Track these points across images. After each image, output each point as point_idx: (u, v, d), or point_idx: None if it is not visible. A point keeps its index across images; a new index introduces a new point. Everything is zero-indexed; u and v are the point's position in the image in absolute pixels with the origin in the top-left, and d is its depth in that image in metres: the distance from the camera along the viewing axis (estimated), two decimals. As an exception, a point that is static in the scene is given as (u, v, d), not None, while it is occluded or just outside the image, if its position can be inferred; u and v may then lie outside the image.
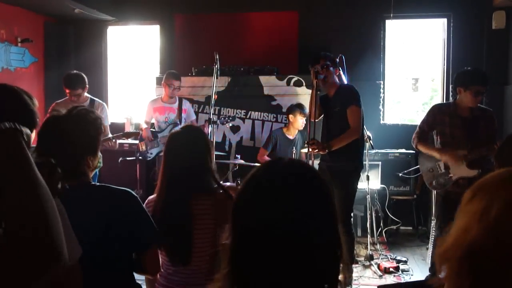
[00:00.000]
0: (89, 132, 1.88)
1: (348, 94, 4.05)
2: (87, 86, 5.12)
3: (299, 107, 5.38)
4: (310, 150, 3.82)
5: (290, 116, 5.42)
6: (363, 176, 5.10)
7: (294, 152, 5.28)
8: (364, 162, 5.07)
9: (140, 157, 5.65)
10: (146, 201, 2.37)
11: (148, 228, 1.94)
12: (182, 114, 5.65)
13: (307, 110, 5.09)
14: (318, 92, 4.00)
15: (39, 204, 0.93)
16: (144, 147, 5.62)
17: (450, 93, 6.04)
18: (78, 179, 1.87)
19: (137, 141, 5.75)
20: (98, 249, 1.80)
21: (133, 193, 1.96)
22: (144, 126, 5.70)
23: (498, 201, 0.91)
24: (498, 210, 0.89)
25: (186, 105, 5.76)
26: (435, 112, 4.09)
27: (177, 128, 5.38)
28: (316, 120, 4.06)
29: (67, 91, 5.01)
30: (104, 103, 5.29)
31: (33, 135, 2.00)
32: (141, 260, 1.95)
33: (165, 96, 5.65)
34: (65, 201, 1.81)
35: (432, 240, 4.40)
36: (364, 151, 5.08)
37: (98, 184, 1.92)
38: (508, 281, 0.86)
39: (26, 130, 1.08)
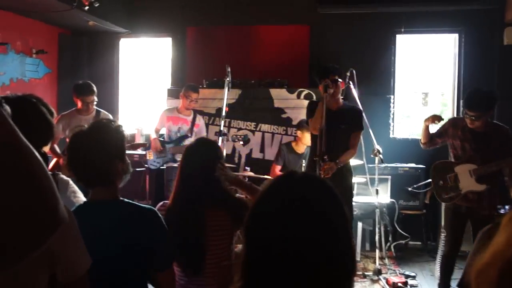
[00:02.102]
0: (114, 138, 1.93)
1: (357, 116, 4.32)
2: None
3: (308, 123, 5.38)
4: (322, 173, 3.83)
5: (298, 132, 5.43)
6: (372, 190, 5.11)
7: (303, 165, 5.28)
8: (374, 176, 5.08)
9: (146, 165, 5.69)
10: (159, 205, 2.40)
11: (168, 249, 1.98)
12: (194, 128, 5.68)
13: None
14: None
15: (25, 164, 0.83)
16: (151, 156, 5.66)
17: (461, 108, 6.02)
18: (106, 188, 1.91)
19: (144, 152, 5.79)
20: (117, 265, 1.85)
21: (158, 213, 1.99)
22: (153, 135, 5.74)
23: None
24: None
25: (200, 121, 5.80)
26: (449, 125, 4.11)
27: (188, 140, 5.48)
28: (314, 133, 4.12)
29: (80, 98, 5.04)
30: (109, 114, 5.31)
31: (48, 147, 2.05)
32: (157, 277, 1.97)
33: (181, 107, 5.69)
34: (92, 214, 1.87)
35: (440, 254, 4.37)
36: (374, 165, 5.09)
37: (125, 200, 1.96)
38: None
39: (6, 106, 1.07)
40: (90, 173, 1.88)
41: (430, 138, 4.21)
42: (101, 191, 1.92)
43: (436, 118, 4.16)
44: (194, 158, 2.37)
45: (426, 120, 4.19)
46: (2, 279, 1.14)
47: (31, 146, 0.85)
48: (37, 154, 0.85)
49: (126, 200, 1.97)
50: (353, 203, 4.65)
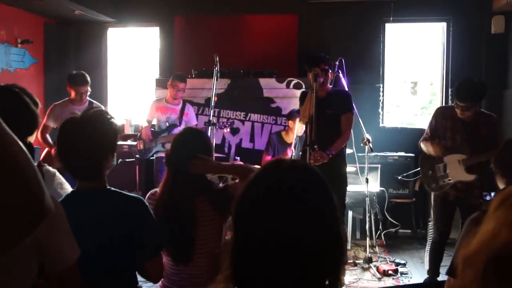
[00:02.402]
0: (108, 131, 1.91)
1: (344, 99, 4.23)
2: None
3: (299, 112, 5.38)
4: (312, 161, 3.82)
5: (290, 122, 5.42)
6: (362, 179, 5.12)
7: (293, 154, 5.28)
8: (363, 165, 5.10)
9: (137, 156, 5.66)
10: (149, 194, 2.39)
11: (156, 237, 1.98)
12: (184, 117, 5.65)
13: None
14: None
15: (8, 154, 0.81)
16: (142, 146, 5.63)
17: (449, 97, 6.05)
18: (95, 180, 1.90)
19: (135, 143, 5.77)
20: (106, 254, 1.84)
21: (145, 201, 1.99)
22: (144, 125, 5.71)
23: None
24: None
25: (189, 109, 5.77)
26: (438, 116, 4.11)
27: (177, 129, 5.45)
28: (304, 121, 4.12)
29: (74, 88, 5.01)
30: (102, 106, 5.28)
31: (34, 137, 2.02)
32: (144, 266, 1.96)
33: (169, 97, 5.67)
34: (80, 204, 1.85)
35: (429, 242, 4.41)
36: (364, 154, 5.11)
37: (112, 189, 1.94)
38: None
39: None
40: (81, 165, 1.86)
41: (431, 139, 4.16)
42: (89, 182, 1.90)
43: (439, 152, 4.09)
44: (180, 147, 2.35)
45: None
46: None
47: (14, 136, 0.83)
48: (21, 144, 0.84)
49: (113, 189, 1.95)
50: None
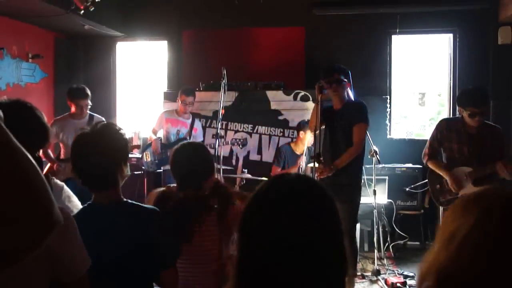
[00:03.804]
0: (118, 140, 1.95)
1: (357, 110, 4.10)
2: None
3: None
4: (318, 175, 3.81)
5: (301, 132, 5.44)
6: (370, 190, 5.11)
7: (301, 167, 5.29)
8: (371, 177, 5.08)
9: (143, 167, 5.68)
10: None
11: (173, 249, 2.02)
12: (193, 132, 5.68)
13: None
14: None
15: (19, 168, 0.83)
16: (149, 158, 5.65)
17: (457, 109, 6.04)
18: (110, 189, 1.93)
19: (141, 155, 5.79)
20: (124, 265, 1.87)
21: (161, 213, 2.02)
22: (152, 135, 5.74)
23: (464, 225, 0.91)
24: (463, 236, 0.89)
25: (198, 125, 5.82)
26: (443, 128, 4.10)
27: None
28: (316, 132, 4.06)
29: (75, 102, 5.01)
30: (103, 118, 5.26)
31: (41, 151, 2.06)
32: (161, 276, 1.99)
33: (180, 110, 5.71)
34: (96, 216, 1.88)
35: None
36: (371, 166, 5.10)
37: (129, 201, 1.98)
38: None
39: None
40: (96, 175, 1.90)
41: (435, 154, 4.14)
42: (105, 193, 1.94)
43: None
44: (182, 155, 2.42)
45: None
46: (2, 279, 1.16)
47: (24, 150, 0.85)
48: (31, 158, 0.86)
49: (129, 201, 1.99)
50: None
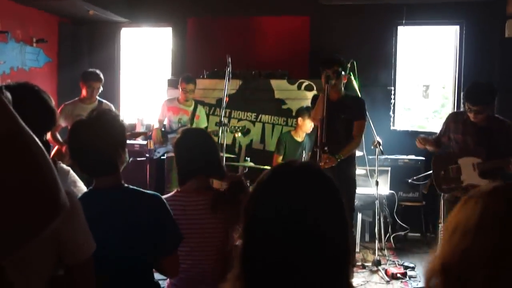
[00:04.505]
0: (115, 126, 1.96)
1: (358, 106, 4.25)
2: None
3: (308, 110, 5.38)
4: (322, 164, 3.84)
5: (299, 119, 5.43)
6: (372, 181, 5.12)
7: (303, 155, 5.29)
8: (374, 167, 5.09)
9: (147, 155, 5.71)
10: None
11: (174, 234, 2.01)
12: (195, 119, 5.68)
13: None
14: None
15: (27, 152, 0.83)
16: (152, 145, 5.68)
17: (461, 101, 6.02)
18: (110, 175, 1.94)
19: (145, 142, 5.82)
20: (124, 251, 1.88)
21: (162, 198, 2.03)
22: (156, 125, 5.75)
23: (468, 217, 0.91)
24: (464, 226, 0.91)
25: (201, 112, 5.81)
26: (449, 120, 4.13)
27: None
28: (315, 123, 4.15)
29: (88, 83, 5.05)
30: (111, 104, 5.30)
31: (49, 134, 2.06)
32: (162, 261, 2.01)
33: (181, 98, 5.71)
34: (98, 201, 1.89)
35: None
36: (374, 157, 5.10)
37: (130, 187, 1.98)
38: None
39: (7, 93, 1.08)
40: (95, 162, 1.91)
41: (436, 142, 4.21)
42: (105, 179, 1.94)
43: (425, 142, 4.19)
44: (183, 149, 2.43)
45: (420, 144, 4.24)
46: (10, 261, 1.18)
47: (32, 134, 0.85)
48: (38, 141, 0.86)
49: (131, 186, 1.99)
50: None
